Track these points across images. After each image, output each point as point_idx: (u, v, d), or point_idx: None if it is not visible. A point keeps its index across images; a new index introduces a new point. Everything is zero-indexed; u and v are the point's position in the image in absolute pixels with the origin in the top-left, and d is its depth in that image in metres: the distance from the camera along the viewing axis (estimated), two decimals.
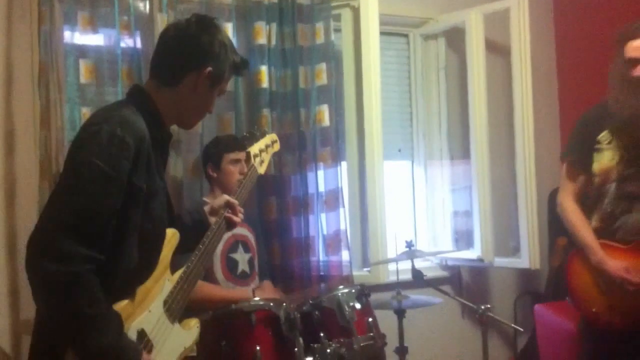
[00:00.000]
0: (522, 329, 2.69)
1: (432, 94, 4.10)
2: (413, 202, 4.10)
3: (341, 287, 2.55)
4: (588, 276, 2.65)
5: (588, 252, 2.63)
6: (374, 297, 3.22)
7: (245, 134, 2.68)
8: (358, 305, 2.50)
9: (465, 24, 3.87)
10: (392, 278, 3.13)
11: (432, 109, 4.10)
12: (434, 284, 3.50)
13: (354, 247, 3.63)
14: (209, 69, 1.84)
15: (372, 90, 3.52)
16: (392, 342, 2.90)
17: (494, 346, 3.87)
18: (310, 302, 2.50)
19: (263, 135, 2.48)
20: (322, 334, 2.40)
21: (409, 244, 2.81)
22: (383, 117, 3.63)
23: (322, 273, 3.36)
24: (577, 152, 2.73)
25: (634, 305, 2.55)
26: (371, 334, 2.50)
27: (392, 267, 3.37)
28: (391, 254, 3.31)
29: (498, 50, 4.04)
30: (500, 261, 3.76)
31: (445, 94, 4.09)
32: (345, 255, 3.37)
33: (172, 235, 1.90)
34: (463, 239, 3.94)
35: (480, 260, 3.71)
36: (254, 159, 2.34)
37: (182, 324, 1.92)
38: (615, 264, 2.57)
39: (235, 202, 2.14)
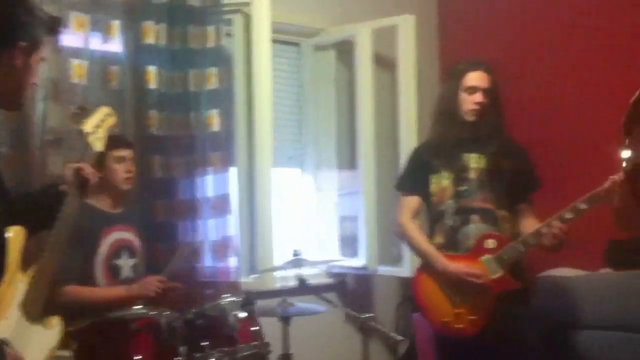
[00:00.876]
0: (400, 338, 2.77)
1: (322, 103, 4.15)
2: (301, 210, 4.13)
3: (226, 295, 2.52)
4: (435, 287, 2.83)
5: (432, 260, 2.82)
6: (261, 303, 3.21)
7: (75, 110, 2.62)
8: (243, 314, 2.48)
9: (355, 37, 3.96)
10: (280, 284, 3.15)
11: (322, 118, 4.16)
12: (320, 291, 3.54)
13: (242, 253, 3.60)
14: (22, 42, 1.62)
15: (263, 97, 3.53)
16: (277, 350, 2.90)
17: (376, 352, 3.96)
18: (194, 310, 2.45)
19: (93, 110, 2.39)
20: (205, 343, 2.36)
21: (296, 253, 2.83)
22: (274, 124, 3.65)
23: (209, 279, 3.32)
24: (411, 177, 2.99)
25: (479, 308, 2.74)
26: (255, 342, 2.48)
27: (279, 274, 3.41)
28: (279, 261, 3.32)
29: (385, 64, 4.16)
30: (384, 269, 3.87)
31: (334, 104, 4.16)
32: (233, 261, 3.34)
33: (15, 236, 1.82)
34: (349, 246, 4.02)
35: (365, 268, 3.80)
36: (88, 137, 2.27)
37: (44, 324, 1.84)
38: (457, 265, 2.77)
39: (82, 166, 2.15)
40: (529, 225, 2.84)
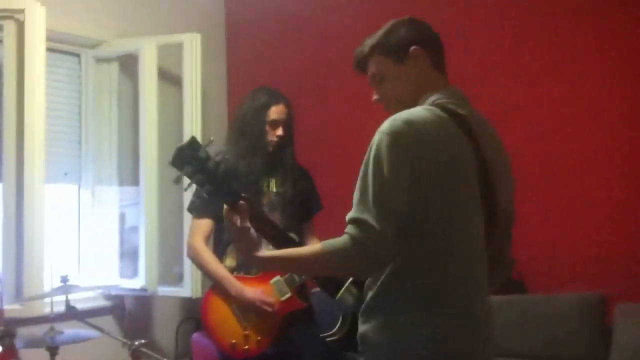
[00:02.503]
0: None
1: (104, 117, 4.00)
2: (78, 228, 3.93)
3: None
4: (225, 309, 2.88)
5: (226, 284, 2.87)
6: (27, 332, 3.01)
7: None
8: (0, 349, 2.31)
9: (139, 52, 3.88)
10: (48, 310, 2.96)
11: (102, 132, 4.00)
12: (94, 314, 3.43)
13: (8, 277, 3.33)
14: None
15: (35, 107, 3.34)
16: None
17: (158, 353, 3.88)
18: None
19: None
20: None
21: (64, 279, 2.69)
22: (49, 138, 3.46)
23: None
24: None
25: (266, 329, 2.85)
26: None
27: (49, 299, 3.20)
28: (49, 286, 3.13)
29: (171, 79, 4.12)
30: (164, 290, 3.81)
31: (116, 118, 4.03)
32: None
33: None
34: (129, 266, 3.90)
35: (144, 289, 3.71)
36: None
37: None
38: (253, 290, 2.85)
39: None
40: None
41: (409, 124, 1.66)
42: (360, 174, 1.68)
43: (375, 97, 1.89)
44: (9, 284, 3.32)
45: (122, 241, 3.94)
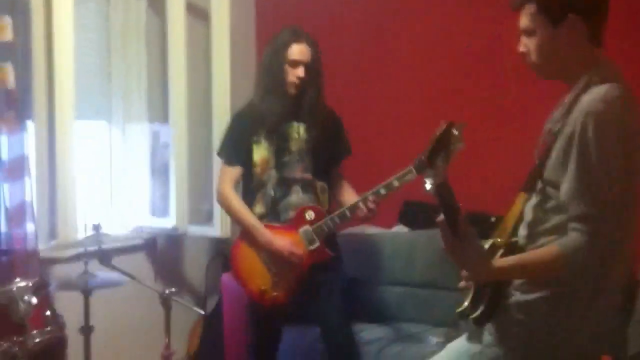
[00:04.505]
0: (202, 312, 2.83)
1: (132, 54, 3.96)
2: (109, 165, 3.97)
3: (17, 280, 2.39)
4: (254, 257, 2.92)
5: (255, 233, 2.89)
6: (61, 272, 3.11)
7: None
8: (34, 300, 2.37)
9: None
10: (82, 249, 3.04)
11: (131, 69, 3.97)
12: (128, 251, 3.51)
13: (41, 217, 3.40)
14: None
15: (63, 46, 3.31)
16: (79, 322, 2.85)
17: (187, 301, 4.00)
18: None
19: None
20: None
21: (97, 227, 2.74)
22: (78, 75, 3.45)
23: (3, 247, 3.12)
24: (233, 147, 3.01)
25: (294, 278, 2.89)
26: (48, 328, 2.40)
27: (81, 233, 3.26)
28: (82, 225, 3.20)
29: (199, 14, 4.04)
30: (195, 229, 3.87)
31: (145, 55, 3.98)
32: (30, 228, 3.15)
33: None
34: (160, 204, 3.95)
35: (175, 229, 3.78)
36: None
37: None
38: (281, 240, 2.87)
39: None
40: (346, 194, 3.00)
41: (614, 102, 1.64)
42: (577, 159, 1.64)
43: (521, 48, 1.83)
44: (42, 224, 3.40)
45: (153, 179, 3.98)
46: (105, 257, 2.68)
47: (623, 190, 1.63)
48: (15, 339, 2.26)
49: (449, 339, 1.99)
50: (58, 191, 3.34)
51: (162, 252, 3.95)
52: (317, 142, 2.97)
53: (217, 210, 3.81)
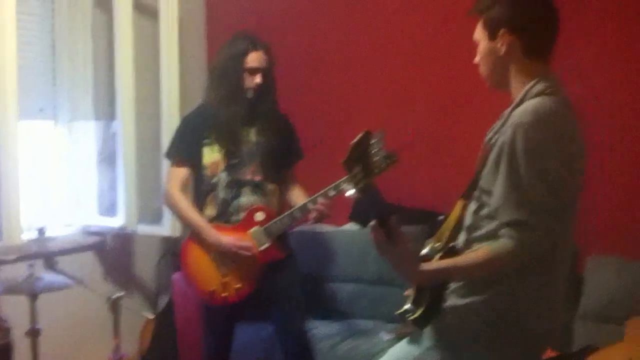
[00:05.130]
0: (151, 316, 2.80)
1: (78, 51, 3.88)
2: (56, 165, 3.89)
3: None
4: (204, 257, 2.92)
5: (203, 233, 2.89)
6: (6, 271, 3.04)
7: None
8: None
9: None
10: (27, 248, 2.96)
11: (77, 66, 3.89)
12: (77, 250, 3.45)
13: None
14: None
15: (6, 42, 3.24)
16: (25, 325, 2.79)
17: (136, 304, 3.96)
18: None
19: None
20: None
21: (41, 231, 2.68)
22: (22, 73, 3.38)
23: None
24: (181, 148, 3.00)
25: (245, 276, 2.89)
26: None
27: (26, 235, 3.18)
28: (26, 228, 3.14)
29: (146, 10, 3.99)
30: (144, 228, 3.82)
31: (91, 51, 3.91)
32: None
33: None
34: (108, 203, 3.89)
35: (124, 228, 3.73)
36: None
37: None
38: (229, 238, 2.87)
39: None
40: (296, 196, 3.02)
41: (545, 113, 1.69)
42: (506, 168, 1.70)
43: (475, 59, 1.90)
44: None
45: (100, 178, 3.91)
46: (50, 261, 2.62)
47: (552, 197, 1.68)
48: None
49: (399, 335, 2.01)
50: (1, 193, 3.25)
51: (111, 251, 3.88)
52: (269, 144, 2.98)
53: (167, 209, 3.77)
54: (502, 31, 1.80)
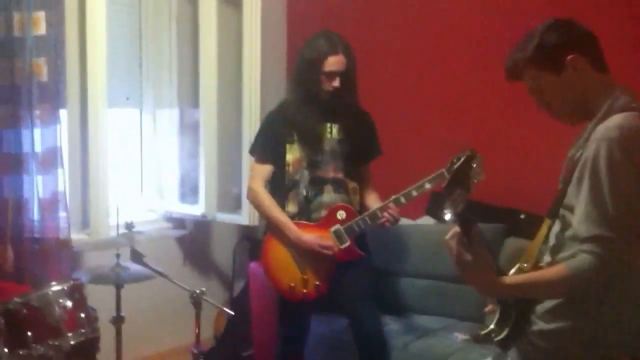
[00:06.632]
0: (231, 312, 2.88)
1: (163, 41, 3.98)
2: (141, 152, 4.02)
3: (53, 283, 2.46)
4: (284, 253, 2.96)
5: (285, 229, 2.93)
6: (93, 258, 3.17)
7: None
8: (69, 303, 2.44)
9: None
10: (113, 233, 3.09)
11: (163, 56, 3.99)
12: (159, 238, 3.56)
13: (74, 205, 3.48)
14: None
15: (96, 33, 3.37)
16: (110, 312, 2.92)
17: (212, 286, 4.10)
18: (17, 300, 2.37)
19: None
20: (29, 335, 2.31)
21: (129, 226, 2.79)
22: (110, 63, 3.49)
23: (36, 235, 3.20)
24: (265, 145, 3.03)
25: (324, 274, 2.93)
26: (82, 330, 2.46)
27: (113, 221, 3.30)
28: (113, 213, 3.25)
29: (231, 1, 4.02)
30: (223, 217, 3.92)
31: (176, 41, 4.00)
32: (62, 217, 3.24)
33: None
34: (189, 191, 4.00)
35: (204, 216, 3.83)
36: None
37: None
38: (310, 236, 2.91)
39: None
40: (370, 197, 3.04)
41: (631, 130, 1.67)
42: (588, 184, 1.68)
43: (539, 108, 1.87)
44: (75, 213, 3.47)
45: (182, 166, 4.02)
46: (137, 255, 2.73)
47: (634, 214, 1.65)
48: (50, 342, 2.33)
49: (473, 336, 2.01)
50: (90, 182, 3.40)
51: (191, 236, 4.00)
52: (350, 142, 2.99)
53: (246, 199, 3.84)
54: (570, 57, 1.76)
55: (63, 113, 3.35)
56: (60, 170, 3.23)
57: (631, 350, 1.82)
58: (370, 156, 3.12)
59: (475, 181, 2.23)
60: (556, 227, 1.84)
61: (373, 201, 3.01)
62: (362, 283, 3.04)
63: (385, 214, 2.84)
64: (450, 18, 3.85)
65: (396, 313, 3.53)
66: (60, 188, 3.23)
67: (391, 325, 3.39)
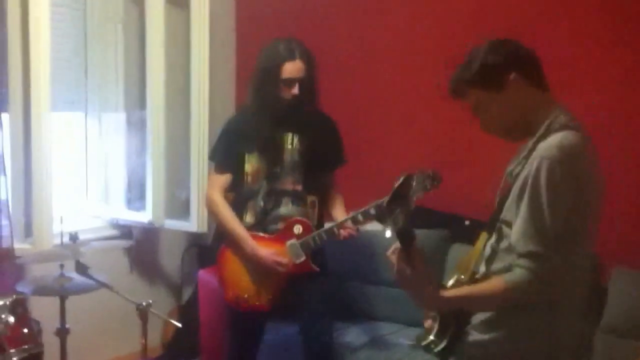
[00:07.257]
0: (178, 324, 2.84)
1: (109, 43, 3.90)
2: (86, 157, 3.94)
3: None
4: (239, 266, 2.93)
5: (241, 243, 2.89)
6: (37, 274, 3.09)
7: None
8: (12, 319, 2.38)
9: None
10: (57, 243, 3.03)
11: (108, 58, 3.92)
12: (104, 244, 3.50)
13: (17, 213, 3.38)
14: None
15: (39, 36, 3.27)
16: (54, 323, 2.86)
17: (159, 293, 4.05)
18: None
19: None
20: None
21: (74, 237, 2.73)
22: (54, 66, 3.42)
23: None
24: (224, 154, 2.97)
25: (275, 287, 2.92)
26: (26, 346, 2.41)
27: (57, 229, 3.23)
28: (58, 221, 3.18)
29: (178, 3, 3.98)
30: (171, 223, 3.87)
31: (122, 43, 3.93)
32: (4, 225, 3.15)
33: None
34: (136, 197, 3.94)
35: (151, 223, 3.78)
36: None
37: None
38: (266, 251, 2.87)
39: None
40: (336, 210, 3.01)
41: (572, 148, 1.71)
42: (527, 201, 1.72)
43: (480, 126, 1.91)
44: (18, 221, 3.37)
45: (129, 171, 3.95)
46: (82, 267, 2.67)
47: (570, 232, 1.72)
48: None
49: (419, 341, 2.06)
50: (34, 189, 3.31)
51: (138, 244, 3.93)
52: (311, 152, 2.94)
53: (194, 204, 3.81)
54: (511, 76, 1.81)
55: (5, 117, 3.26)
56: (2, 178, 3.14)
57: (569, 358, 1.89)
58: (333, 165, 3.07)
59: (415, 198, 2.32)
60: (492, 239, 1.90)
61: (338, 211, 2.98)
62: (315, 291, 3.03)
63: (342, 231, 2.84)
64: (412, 25, 3.82)
65: (346, 318, 3.55)
66: (2, 196, 3.14)
67: (340, 330, 3.40)
